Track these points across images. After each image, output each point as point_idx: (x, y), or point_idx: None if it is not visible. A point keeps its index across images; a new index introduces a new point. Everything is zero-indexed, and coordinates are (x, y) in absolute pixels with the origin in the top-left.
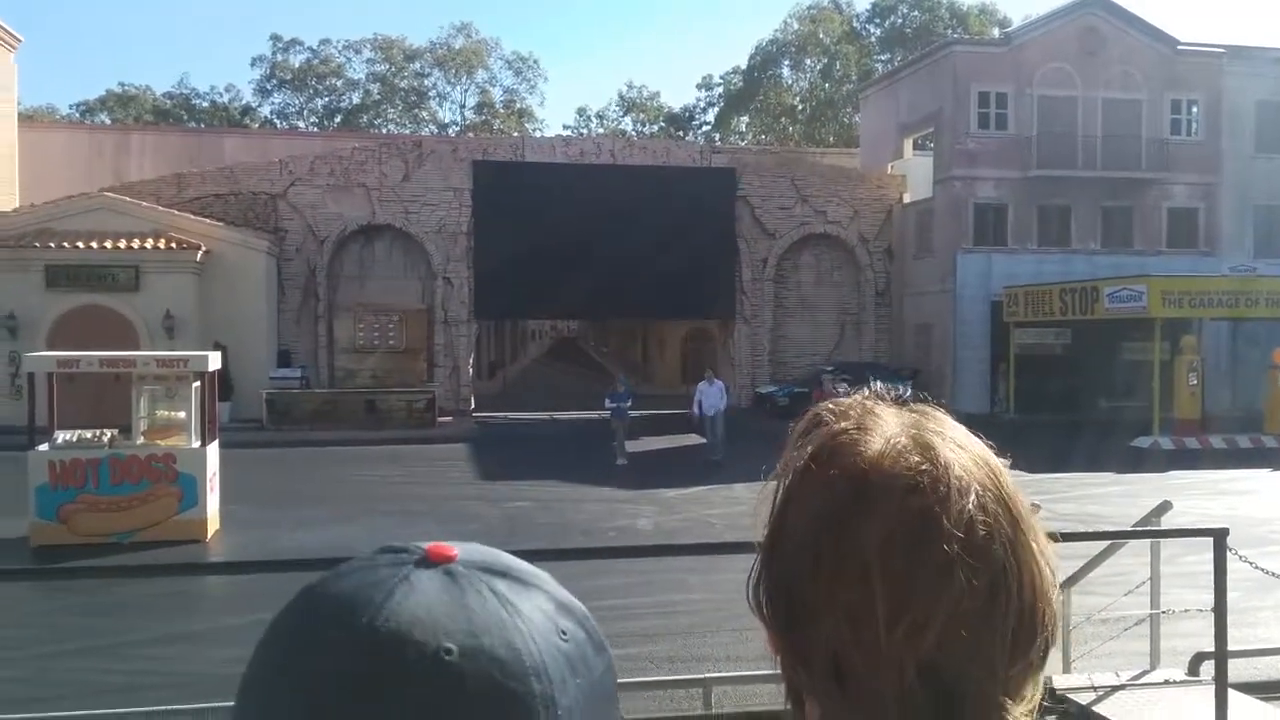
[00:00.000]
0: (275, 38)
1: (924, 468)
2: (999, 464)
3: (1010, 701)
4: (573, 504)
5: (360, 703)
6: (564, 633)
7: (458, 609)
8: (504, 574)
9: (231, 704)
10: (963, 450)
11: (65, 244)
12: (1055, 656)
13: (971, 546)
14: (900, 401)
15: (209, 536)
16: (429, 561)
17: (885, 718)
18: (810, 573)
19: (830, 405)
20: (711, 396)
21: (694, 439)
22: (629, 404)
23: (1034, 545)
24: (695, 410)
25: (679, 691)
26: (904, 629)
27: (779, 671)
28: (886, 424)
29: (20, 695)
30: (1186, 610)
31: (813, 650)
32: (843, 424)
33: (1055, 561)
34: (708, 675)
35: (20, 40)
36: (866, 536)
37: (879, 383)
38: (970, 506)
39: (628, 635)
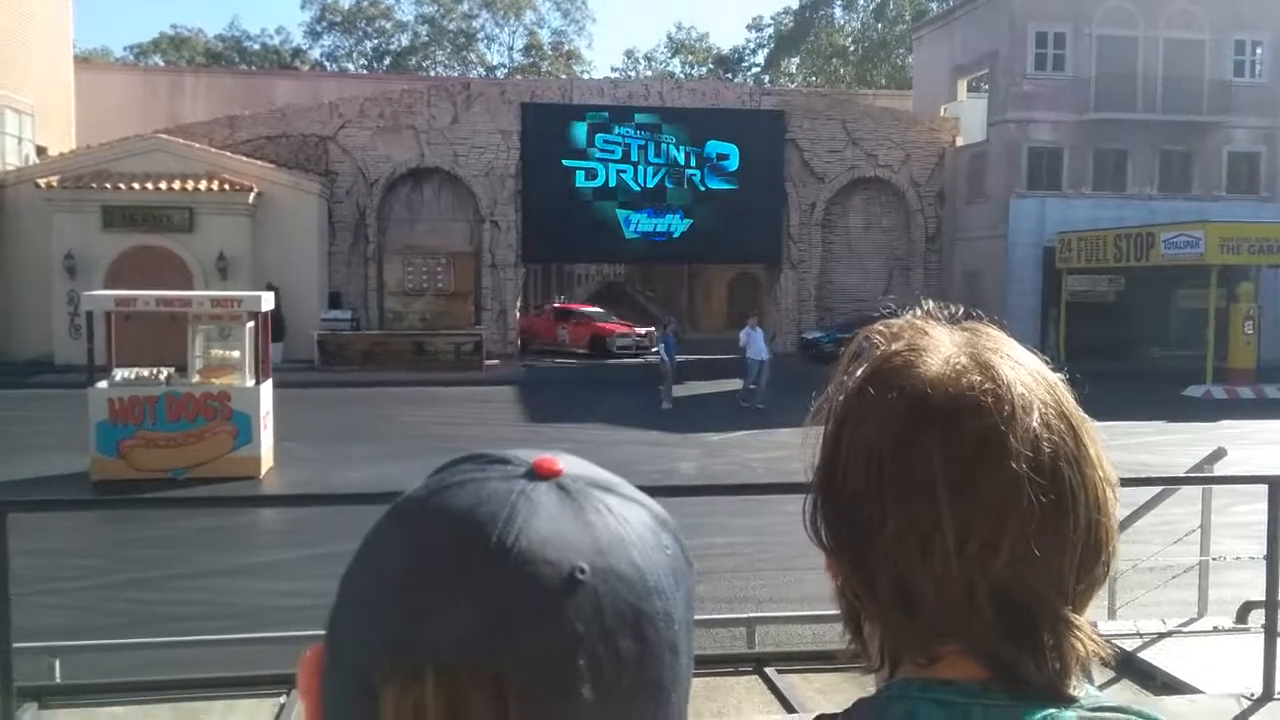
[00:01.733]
0: None
1: (986, 386)
2: (1055, 378)
3: (1077, 616)
4: (617, 446)
5: (499, 628)
6: (666, 546)
7: (581, 527)
8: (609, 488)
9: (311, 633)
10: (1021, 367)
11: (121, 185)
12: (1101, 603)
13: (1039, 465)
14: (952, 319)
15: (263, 473)
16: (538, 475)
17: (956, 638)
18: (874, 497)
19: (880, 327)
20: (758, 341)
21: (739, 384)
22: (676, 347)
23: (1096, 460)
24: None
25: (722, 631)
26: (974, 550)
27: (836, 600)
28: (941, 343)
29: (82, 624)
30: (1237, 558)
31: (878, 574)
32: (895, 345)
33: (1114, 473)
34: (751, 615)
35: None
36: (933, 459)
37: (930, 302)
38: (1035, 424)
39: None
